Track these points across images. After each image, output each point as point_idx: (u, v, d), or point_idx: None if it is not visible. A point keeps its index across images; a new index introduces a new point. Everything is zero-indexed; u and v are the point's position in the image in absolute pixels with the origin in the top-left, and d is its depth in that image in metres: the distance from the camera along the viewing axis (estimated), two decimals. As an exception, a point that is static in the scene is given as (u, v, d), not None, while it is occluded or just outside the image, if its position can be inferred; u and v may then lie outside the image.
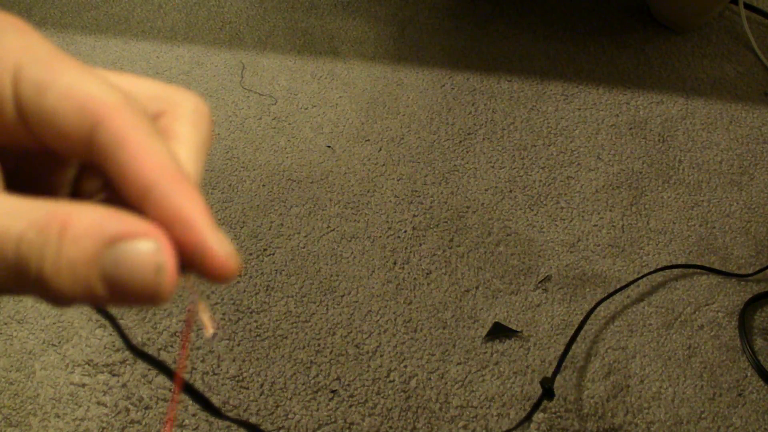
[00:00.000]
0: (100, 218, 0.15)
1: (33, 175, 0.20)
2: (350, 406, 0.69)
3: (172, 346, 0.72)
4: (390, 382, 0.71)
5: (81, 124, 0.16)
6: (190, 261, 0.17)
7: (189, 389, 0.23)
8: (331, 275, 0.79)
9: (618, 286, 0.80)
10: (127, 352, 0.71)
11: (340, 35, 1.12)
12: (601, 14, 1.21)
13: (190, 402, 0.68)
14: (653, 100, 1.06)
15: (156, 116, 0.20)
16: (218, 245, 0.17)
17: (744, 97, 1.08)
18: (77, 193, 0.21)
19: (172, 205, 0.16)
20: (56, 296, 0.15)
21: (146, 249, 0.15)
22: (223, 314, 0.75)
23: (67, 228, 0.15)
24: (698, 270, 0.84)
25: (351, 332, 0.75)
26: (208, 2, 1.16)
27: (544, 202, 0.90)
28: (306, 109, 0.99)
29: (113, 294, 0.15)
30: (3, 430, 0.65)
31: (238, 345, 0.73)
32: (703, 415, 0.72)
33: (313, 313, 0.76)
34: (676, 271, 0.83)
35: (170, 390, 0.69)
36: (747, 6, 1.19)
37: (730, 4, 1.20)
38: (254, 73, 1.03)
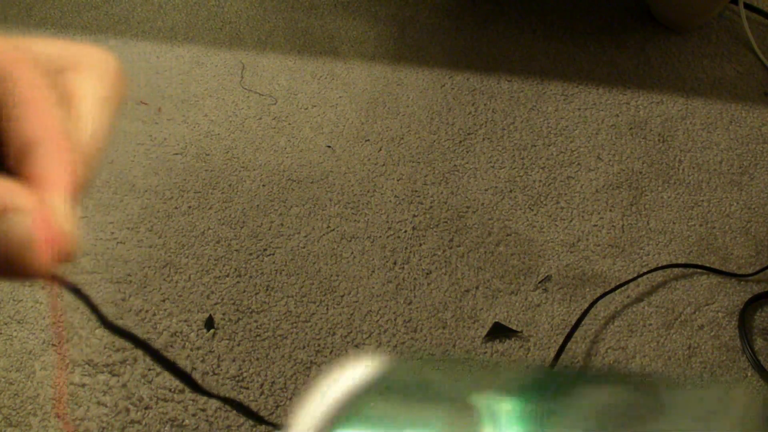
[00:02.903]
0: None
1: None
2: (350, 406, 0.69)
3: (172, 346, 0.72)
4: (390, 382, 0.71)
5: None
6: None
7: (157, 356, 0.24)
8: (331, 275, 0.79)
9: (617, 284, 0.80)
10: (127, 353, 0.71)
11: (340, 35, 1.12)
12: (601, 14, 1.21)
13: (191, 402, 0.68)
14: (653, 100, 1.06)
15: (60, 71, 0.20)
16: (61, 220, 0.17)
17: (744, 97, 1.08)
18: None
19: (41, 168, 0.17)
20: None
21: (20, 218, 0.16)
22: (224, 314, 0.75)
23: None
24: (698, 270, 0.84)
25: (351, 332, 0.75)
26: (208, 2, 1.16)
27: (544, 202, 0.90)
28: (306, 109, 0.99)
29: None
30: (3, 430, 0.65)
31: (238, 345, 0.73)
32: (703, 415, 0.72)
33: (313, 313, 0.76)
34: (676, 270, 0.83)
35: (170, 390, 0.69)
36: (747, 6, 1.19)
37: (730, 4, 1.20)
38: (254, 73, 1.03)
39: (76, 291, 0.21)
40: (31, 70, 0.18)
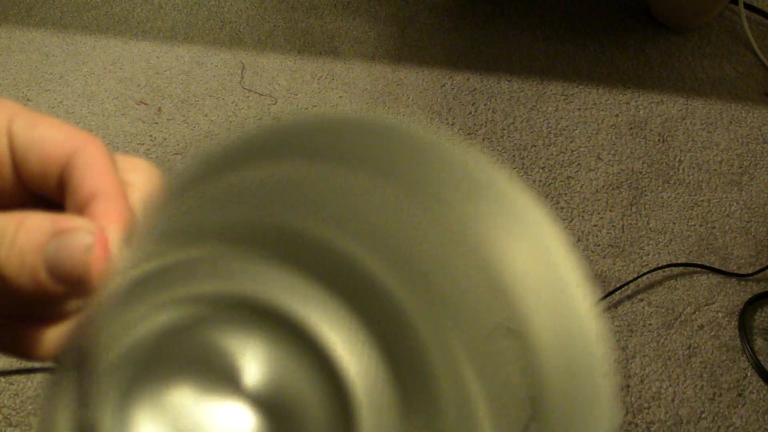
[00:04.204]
0: (50, 217, 0.19)
1: None
2: (350, 406, 0.69)
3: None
4: (390, 382, 0.71)
5: (63, 149, 0.21)
6: None
7: None
8: (331, 275, 0.79)
9: (618, 286, 0.80)
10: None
11: (340, 35, 1.12)
12: (601, 14, 1.21)
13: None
14: (653, 100, 1.06)
15: (119, 168, 0.24)
16: (114, 248, 0.19)
17: (744, 97, 1.08)
18: None
19: (100, 210, 0.20)
20: (6, 285, 0.18)
21: (81, 235, 0.18)
22: (223, 314, 0.75)
23: (22, 224, 0.18)
24: (698, 269, 0.84)
25: (351, 332, 0.75)
26: (208, 2, 1.16)
27: (544, 202, 0.90)
28: (306, 109, 0.99)
29: (53, 276, 0.18)
30: (3, 430, 0.65)
31: (238, 345, 0.73)
32: (703, 415, 0.72)
33: (313, 313, 0.76)
34: (676, 270, 0.83)
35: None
36: (747, 6, 1.19)
37: (730, 4, 1.20)
38: (254, 73, 1.03)
39: None
40: (102, 148, 0.21)
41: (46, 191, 0.22)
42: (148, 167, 0.24)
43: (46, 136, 0.21)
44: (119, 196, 0.20)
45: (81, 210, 0.20)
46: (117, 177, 0.21)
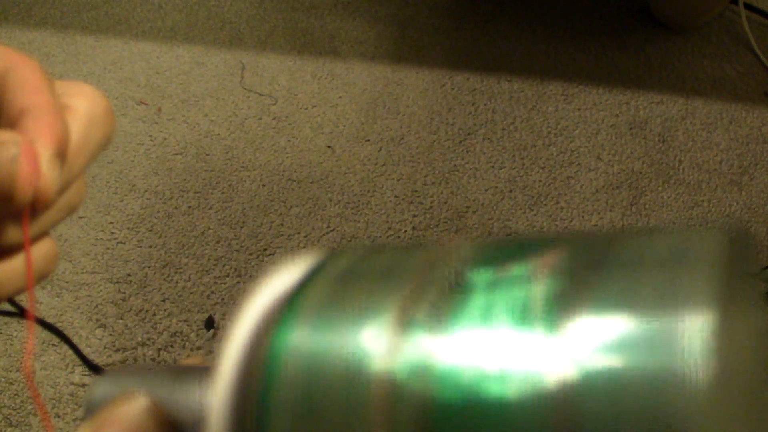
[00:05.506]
0: None
1: None
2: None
3: (172, 346, 0.72)
4: (390, 382, 0.71)
5: None
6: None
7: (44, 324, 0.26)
8: (331, 275, 0.79)
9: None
10: (127, 352, 0.71)
11: (340, 35, 1.12)
12: (601, 14, 1.21)
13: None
14: (653, 100, 1.06)
15: (60, 94, 0.23)
16: (44, 164, 0.19)
17: (744, 97, 1.08)
18: None
19: (30, 125, 0.19)
20: None
21: (7, 147, 0.18)
22: (224, 314, 0.75)
23: None
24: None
25: (351, 332, 0.75)
26: (208, 2, 1.16)
27: (544, 202, 0.90)
28: (306, 109, 0.99)
29: None
30: (3, 430, 0.65)
31: (238, 345, 0.72)
32: (703, 415, 0.72)
33: (313, 313, 0.76)
34: (676, 271, 0.83)
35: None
36: (747, 6, 1.19)
37: (730, 4, 1.20)
38: (254, 73, 1.03)
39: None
40: (37, 68, 0.21)
41: None
42: (91, 91, 0.23)
43: None
44: (51, 112, 0.20)
45: (12, 127, 0.20)
46: (50, 95, 0.21)
